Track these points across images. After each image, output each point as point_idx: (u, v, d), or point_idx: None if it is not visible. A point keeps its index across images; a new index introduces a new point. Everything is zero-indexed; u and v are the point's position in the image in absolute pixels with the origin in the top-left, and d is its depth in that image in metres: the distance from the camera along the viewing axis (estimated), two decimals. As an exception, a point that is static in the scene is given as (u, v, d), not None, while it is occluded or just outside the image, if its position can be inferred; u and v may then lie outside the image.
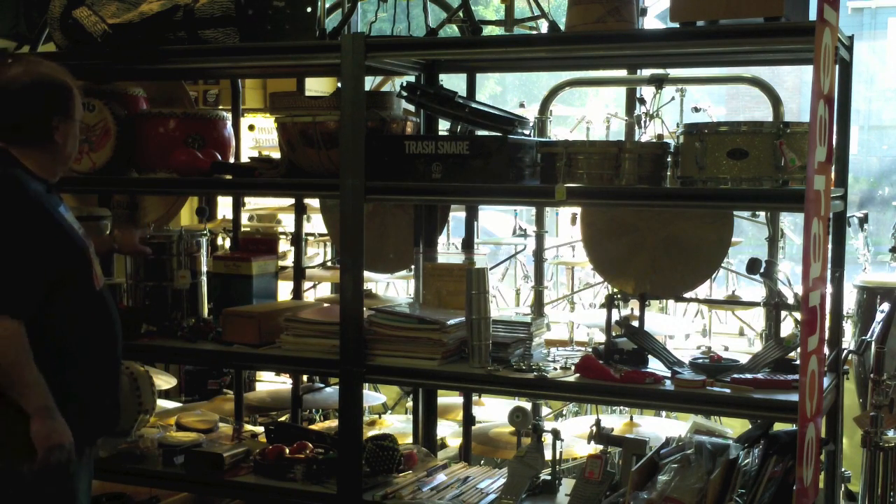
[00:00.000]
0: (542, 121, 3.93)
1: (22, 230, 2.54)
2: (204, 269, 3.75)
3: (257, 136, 5.98)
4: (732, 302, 5.14)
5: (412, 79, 3.41)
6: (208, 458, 3.34)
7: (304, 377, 4.24)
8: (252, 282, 3.64)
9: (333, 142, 3.13)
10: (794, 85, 8.59)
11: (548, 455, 3.16)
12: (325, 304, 3.60)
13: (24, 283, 2.53)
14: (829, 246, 2.75)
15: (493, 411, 4.56)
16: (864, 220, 4.94)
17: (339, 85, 3.12)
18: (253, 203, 5.89)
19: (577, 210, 4.05)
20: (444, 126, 3.40)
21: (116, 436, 3.64)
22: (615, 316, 3.12)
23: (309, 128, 3.16)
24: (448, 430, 4.54)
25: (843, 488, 3.72)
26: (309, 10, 3.23)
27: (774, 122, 2.88)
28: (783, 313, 3.22)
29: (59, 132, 2.66)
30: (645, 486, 2.79)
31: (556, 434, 3.11)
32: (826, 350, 2.84)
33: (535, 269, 4.01)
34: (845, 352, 3.20)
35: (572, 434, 4.01)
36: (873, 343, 3.35)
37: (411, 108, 3.37)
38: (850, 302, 4.57)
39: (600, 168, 2.89)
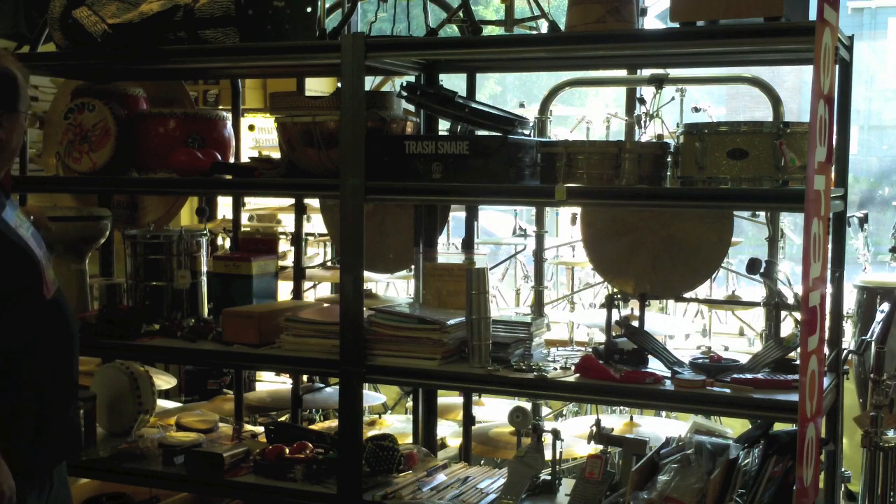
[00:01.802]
0: (542, 121, 3.93)
1: None
2: (204, 269, 3.76)
3: (257, 136, 5.98)
4: (732, 302, 5.14)
5: (412, 79, 3.41)
6: (208, 458, 3.34)
7: (304, 377, 4.24)
8: (252, 282, 3.64)
9: (333, 142, 3.13)
10: (794, 85, 8.58)
11: (548, 455, 3.16)
12: (325, 304, 3.60)
13: None
14: (829, 246, 2.75)
15: (493, 411, 4.56)
16: (864, 220, 4.94)
17: (339, 85, 3.12)
18: (253, 203, 5.89)
19: (577, 210, 4.05)
20: (444, 126, 3.40)
21: (116, 435, 3.66)
22: (615, 316, 3.12)
23: (309, 128, 3.16)
24: (448, 430, 4.54)
25: (843, 488, 3.72)
26: (309, 10, 3.22)
27: (774, 122, 2.88)
28: (783, 313, 3.22)
29: (3, 127, 2.41)
30: (645, 486, 2.79)
31: (556, 434, 3.11)
32: (826, 350, 2.84)
33: (535, 269, 4.01)
34: (845, 352, 3.20)
35: (572, 434, 4.01)
36: (873, 343, 3.35)
37: (411, 108, 3.37)
38: (850, 302, 4.56)
39: (600, 168, 2.89)
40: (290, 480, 3.22)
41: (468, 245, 3.56)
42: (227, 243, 4.93)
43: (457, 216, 4.12)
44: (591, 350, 3.13)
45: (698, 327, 5.33)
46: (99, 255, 4.07)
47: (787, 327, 3.43)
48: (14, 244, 2.39)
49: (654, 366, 2.97)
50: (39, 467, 2.45)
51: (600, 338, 3.91)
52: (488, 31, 3.34)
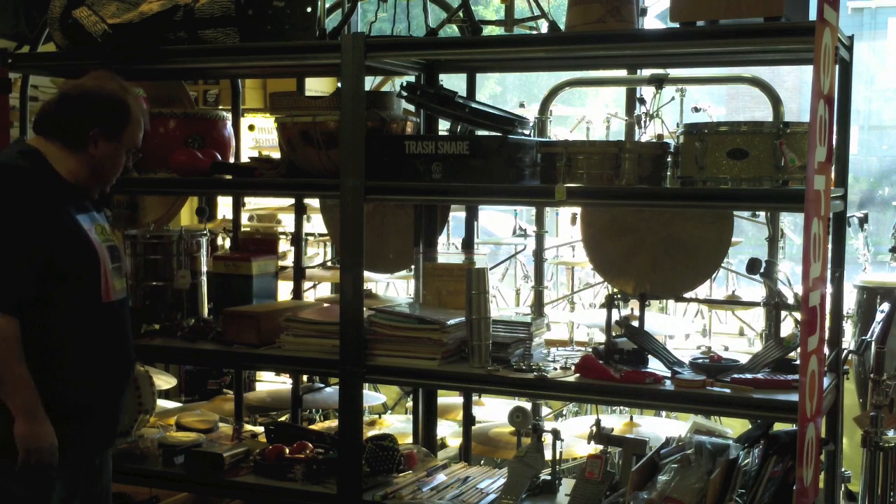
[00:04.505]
0: (542, 121, 3.93)
1: (12, 221, 2.50)
2: (204, 269, 3.76)
3: (257, 136, 5.98)
4: (732, 302, 5.13)
5: (412, 79, 3.41)
6: (208, 458, 3.34)
7: (304, 377, 4.24)
8: (252, 282, 3.64)
9: (333, 142, 3.13)
10: (794, 85, 8.58)
11: (548, 455, 3.16)
12: (325, 304, 3.60)
13: (13, 277, 2.50)
14: (829, 246, 2.75)
15: (493, 411, 4.56)
16: (864, 220, 4.94)
17: (339, 85, 3.12)
18: (253, 203, 5.89)
19: (577, 210, 4.05)
20: (444, 126, 3.40)
21: (117, 436, 3.65)
22: (615, 316, 3.12)
23: (309, 128, 3.16)
24: (448, 430, 4.54)
25: (843, 488, 3.71)
26: (309, 10, 3.22)
27: (774, 122, 2.88)
28: (783, 313, 3.22)
29: (97, 146, 2.65)
30: (645, 486, 2.79)
31: (556, 434, 3.11)
32: (826, 350, 2.84)
33: (535, 269, 4.01)
34: (845, 352, 3.20)
35: (572, 434, 4.01)
36: (873, 343, 3.35)
37: (411, 108, 3.37)
38: (850, 302, 4.56)
39: (600, 168, 2.89)
40: (290, 480, 3.22)
41: (468, 245, 3.56)
42: (227, 243, 4.93)
43: (457, 216, 4.12)
44: (591, 350, 3.13)
45: (698, 327, 5.33)
46: (99, 255, 4.06)
47: (787, 327, 3.43)
48: (79, 236, 2.61)
49: (654, 366, 2.97)
50: (75, 449, 2.62)
51: (600, 338, 3.91)
52: (488, 31, 3.35)
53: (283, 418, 4.59)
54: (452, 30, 3.52)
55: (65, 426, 2.57)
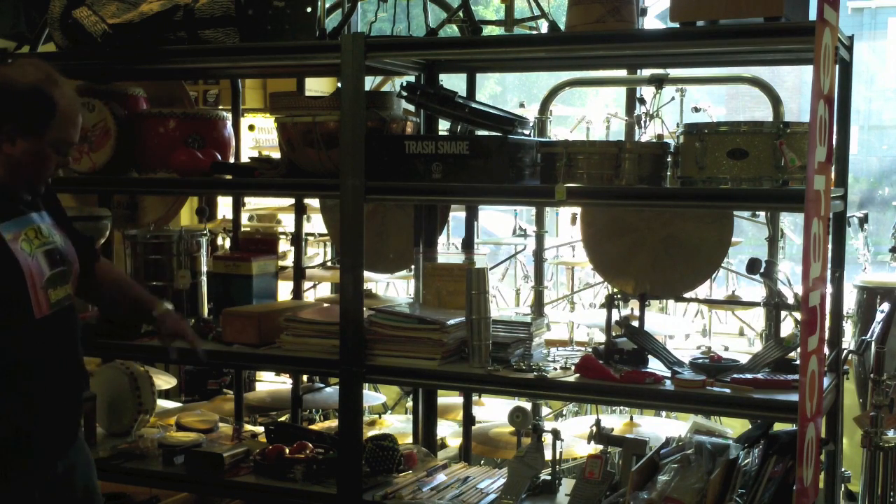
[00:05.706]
0: (542, 121, 3.93)
1: None
2: (204, 269, 3.76)
3: (257, 136, 5.98)
4: (732, 302, 5.14)
5: (412, 79, 3.41)
6: (208, 458, 3.34)
7: (304, 377, 4.24)
8: (252, 282, 3.64)
9: (333, 142, 3.13)
10: (794, 85, 8.58)
11: (548, 455, 3.16)
12: (325, 304, 3.60)
13: None
14: (829, 246, 2.75)
15: (493, 411, 4.57)
16: (864, 220, 4.94)
17: (339, 85, 3.12)
18: (253, 203, 5.89)
19: (577, 210, 4.05)
20: (444, 126, 3.40)
21: (116, 435, 3.66)
22: (615, 316, 3.12)
23: (309, 128, 3.16)
24: (448, 430, 4.54)
25: (843, 488, 3.72)
26: (309, 10, 3.23)
27: (774, 122, 2.88)
28: (783, 313, 3.22)
29: (13, 144, 2.34)
30: (645, 486, 2.79)
31: (556, 434, 3.11)
32: (826, 350, 2.84)
33: (535, 269, 4.01)
34: (845, 352, 3.20)
35: (572, 434, 4.01)
36: (873, 343, 3.35)
37: (411, 108, 3.37)
38: (850, 302, 4.57)
39: (600, 168, 2.89)
40: (290, 480, 3.22)
41: (468, 245, 3.56)
42: (227, 243, 4.93)
43: (457, 216, 4.12)
44: (591, 350, 3.13)
45: (698, 327, 5.33)
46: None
47: (787, 327, 3.43)
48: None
49: (654, 366, 2.97)
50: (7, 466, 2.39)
51: (600, 338, 3.92)
52: (488, 31, 3.35)
53: (283, 418, 4.59)
54: (452, 30, 3.52)
55: (7, 453, 2.34)
